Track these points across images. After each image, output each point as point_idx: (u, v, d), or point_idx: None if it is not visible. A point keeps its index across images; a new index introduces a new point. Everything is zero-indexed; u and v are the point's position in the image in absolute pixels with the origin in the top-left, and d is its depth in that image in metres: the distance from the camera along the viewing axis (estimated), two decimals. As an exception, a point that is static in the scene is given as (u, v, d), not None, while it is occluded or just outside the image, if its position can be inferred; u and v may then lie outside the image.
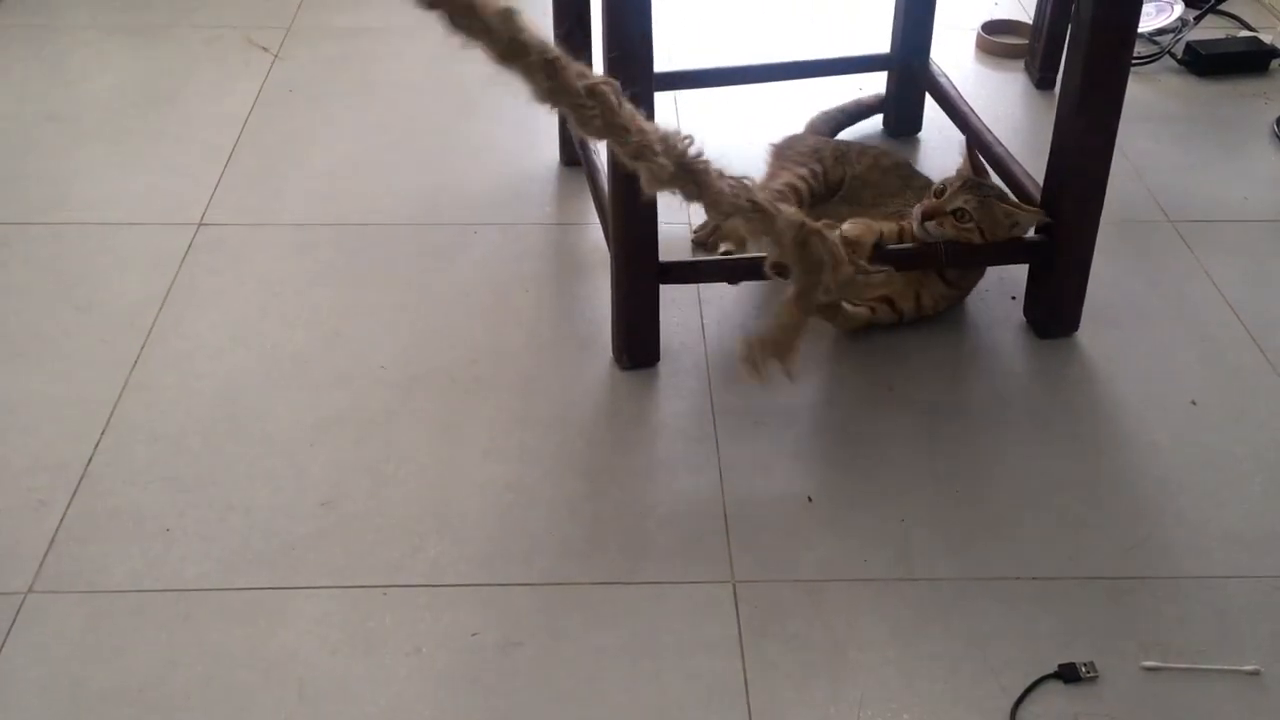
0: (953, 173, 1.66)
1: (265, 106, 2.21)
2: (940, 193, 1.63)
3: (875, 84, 2.18)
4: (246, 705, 1.21)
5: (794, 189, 1.81)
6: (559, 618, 1.30)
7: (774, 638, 1.29)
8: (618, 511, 1.43)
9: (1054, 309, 1.68)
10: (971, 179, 1.63)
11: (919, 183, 1.84)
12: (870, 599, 1.33)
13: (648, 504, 1.44)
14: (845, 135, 2.09)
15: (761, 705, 1.22)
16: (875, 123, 2.16)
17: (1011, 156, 1.76)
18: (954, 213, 1.60)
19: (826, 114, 2.10)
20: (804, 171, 1.85)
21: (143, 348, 1.65)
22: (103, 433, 1.51)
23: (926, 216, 1.61)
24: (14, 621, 1.28)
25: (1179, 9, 2.43)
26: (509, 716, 1.21)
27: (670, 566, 1.36)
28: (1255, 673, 1.25)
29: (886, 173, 1.85)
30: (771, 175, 1.88)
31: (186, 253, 1.83)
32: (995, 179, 1.68)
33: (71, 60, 2.36)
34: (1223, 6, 2.53)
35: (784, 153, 1.93)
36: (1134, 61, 1.67)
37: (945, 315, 1.72)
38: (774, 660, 1.26)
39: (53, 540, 1.38)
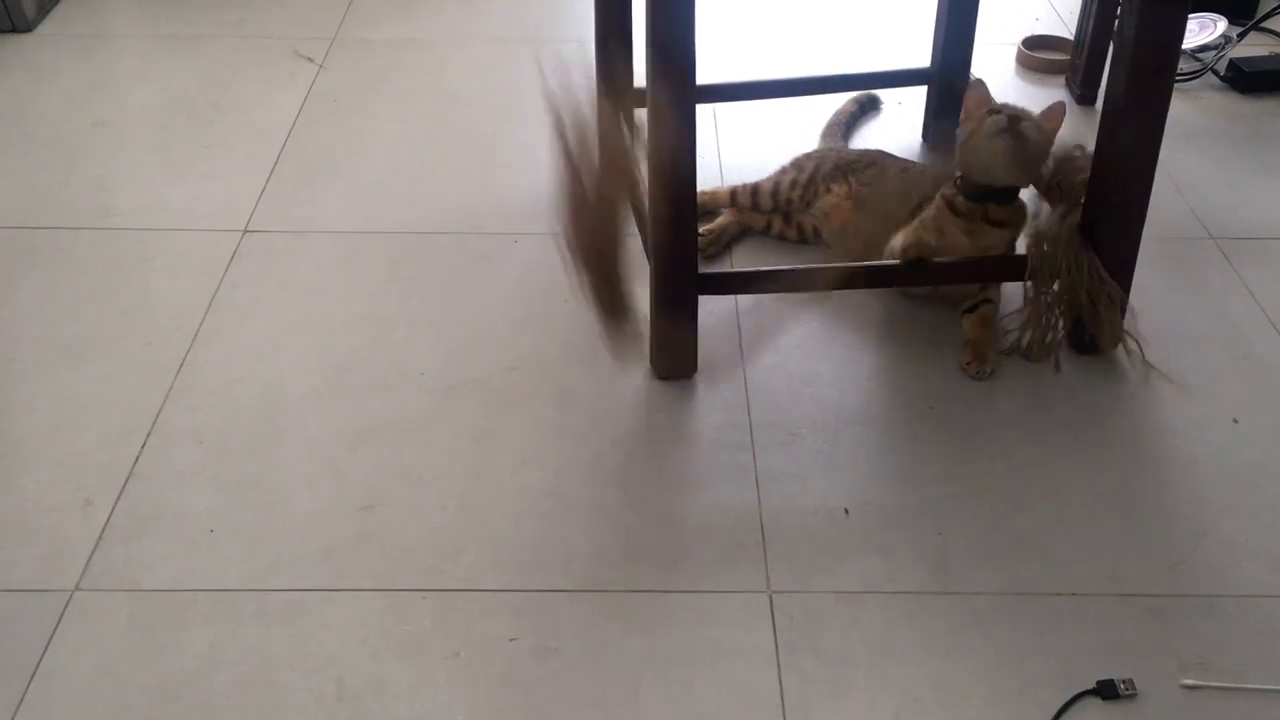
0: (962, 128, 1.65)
1: (310, 116, 2.23)
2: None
3: (915, 98, 2.18)
4: (286, 705, 1.23)
5: (755, 189, 1.91)
6: (596, 624, 1.31)
7: (810, 649, 1.29)
8: (655, 520, 1.43)
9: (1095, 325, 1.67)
10: (1000, 119, 1.60)
11: (919, 169, 1.87)
12: (907, 612, 1.33)
13: (685, 513, 1.44)
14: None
15: (797, 717, 1.22)
16: (915, 136, 2.16)
17: (1052, 172, 1.76)
18: None
19: (833, 123, 2.14)
20: (777, 177, 1.93)
21: (187, 352, 1.67)
22: (148, 434, 1.54)
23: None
24: (60, 618, 1.31)
25: (1222, 26, 2.42)
26: (545, 722, 1.22)
27: (707, 576, 1.37)
28: (1296, 693, 1.25)
29: (896, 176, 1.85)
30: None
31: (231, 259, 1.85)
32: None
33: (119, 69, 2.40)
34: (1266, 24, 2.51)
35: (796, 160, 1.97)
36: (1176, 78, 1.66)
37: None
38: (809, 672, 1.26)
39: (99, 539, 1.40)
